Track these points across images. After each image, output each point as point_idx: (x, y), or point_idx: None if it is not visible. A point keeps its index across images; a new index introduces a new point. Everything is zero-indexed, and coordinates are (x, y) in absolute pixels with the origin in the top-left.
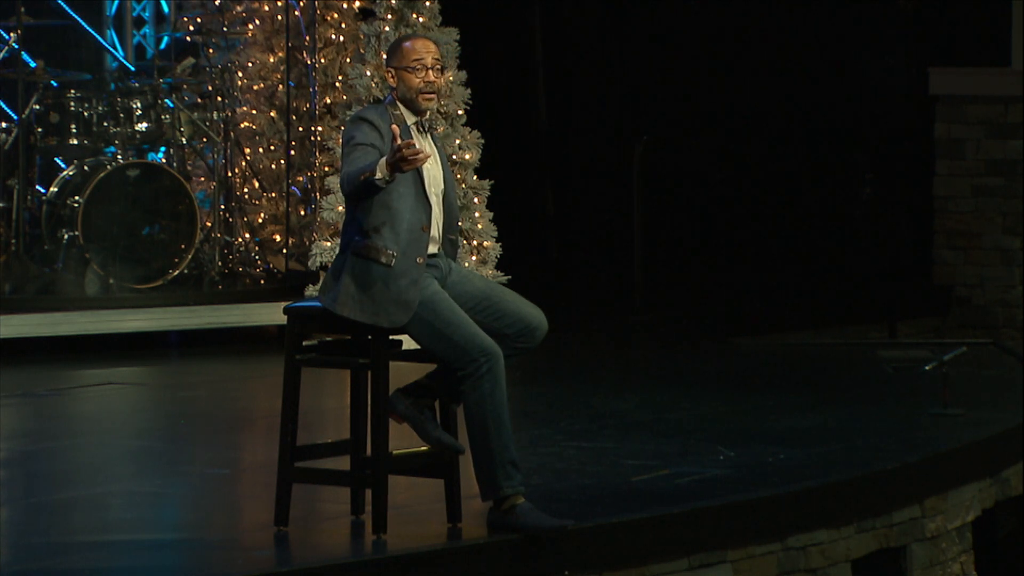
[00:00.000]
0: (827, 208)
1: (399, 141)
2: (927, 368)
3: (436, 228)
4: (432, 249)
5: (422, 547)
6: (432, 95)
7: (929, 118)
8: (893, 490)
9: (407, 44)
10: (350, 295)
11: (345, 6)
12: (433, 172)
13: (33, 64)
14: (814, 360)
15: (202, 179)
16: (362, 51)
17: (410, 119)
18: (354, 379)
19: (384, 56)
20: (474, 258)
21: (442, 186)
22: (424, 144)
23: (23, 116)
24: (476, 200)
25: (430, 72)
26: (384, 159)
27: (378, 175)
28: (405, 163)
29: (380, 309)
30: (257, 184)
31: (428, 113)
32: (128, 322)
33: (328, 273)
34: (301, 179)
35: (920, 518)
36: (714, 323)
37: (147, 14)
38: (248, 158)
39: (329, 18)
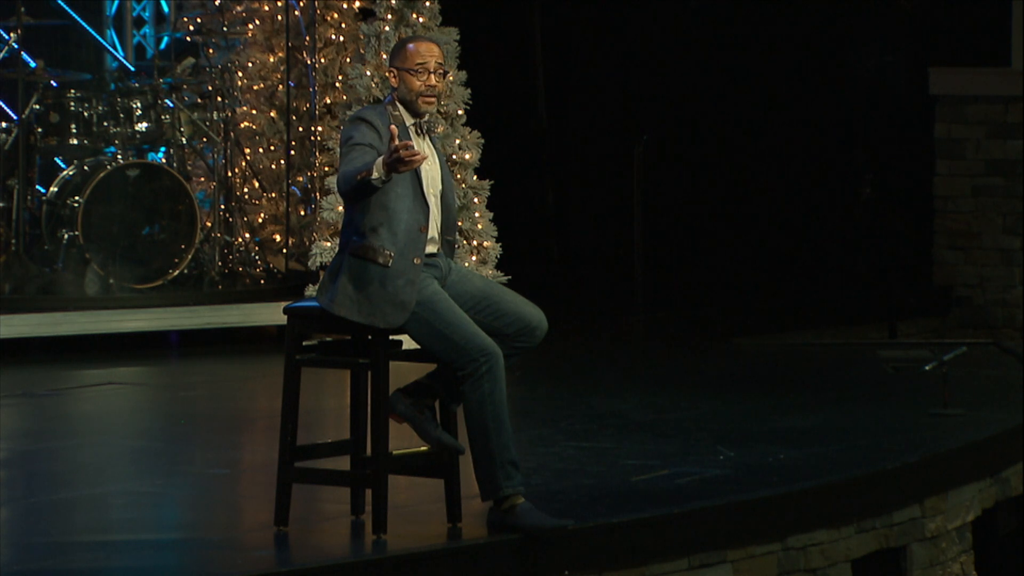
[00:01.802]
0: (827, 208)
1: (396, 142)
2: (927, 368)
3: (435, 229)
4: (431, 249)
5: (422, 547)
6: (432, 99)
7: (929, 118)
8: (893, 490)
9: (411, 46)
10: (347, 295)
11: (345, 6)
12: (431, 173)
13: (33, 64)
14: (814, 360)
15: (202, 179)
16: (362, 51)
17: (409, 120)
18: (354, 379)
19: (385, 56)
20: (474, 258)
21: (440, 187)
22: (422, 145)
23: (23, 116)
24: (476, 200)
25: (432, 76)
26: (381, 159)
27: (374, 175)
28: (402, 164)
29: (376, 310)
30: (257, 184)
31: (427, 115)
32: (128, 322)
33: (326, 273)
34: (301, 179)
35: (920, 518)
36: (714, 323)
37: (147, 14)
38: (248, 158)
39: (329, 18)
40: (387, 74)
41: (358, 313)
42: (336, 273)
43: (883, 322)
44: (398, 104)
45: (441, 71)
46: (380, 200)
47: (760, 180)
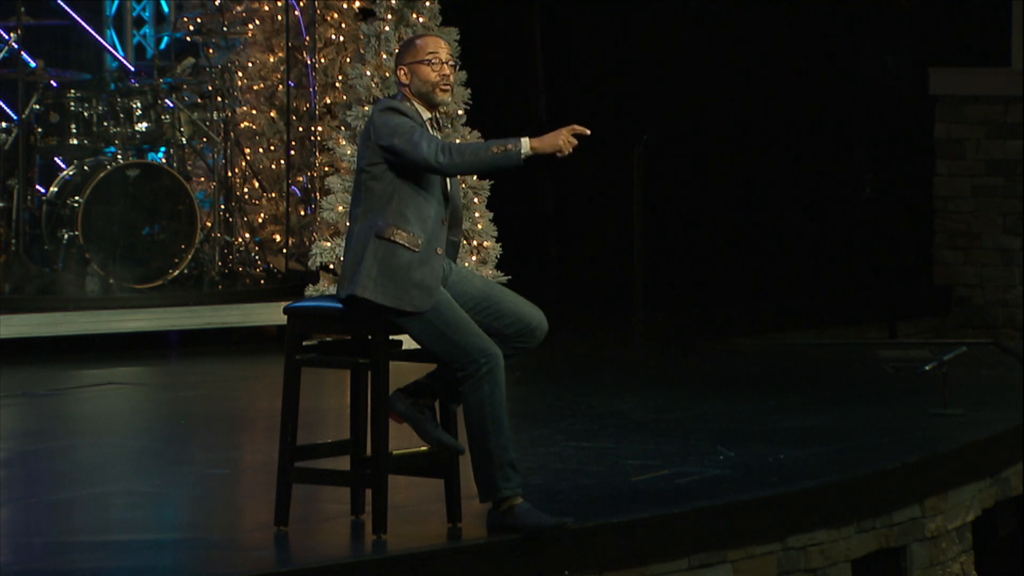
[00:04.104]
0: (827, 208)
1: (577, 130)
2: (927, 368)
3: None
4: None
5: (422, 547)
6: (448, 88)
7: (929, 118)
8: (893, 490)
9: (420, 41)
10: (371, 278)
11: (345, 6)
12: None
13: (33, 64)
14: (814, 360)
15: (202, 179)
16: (362, 51)
17: (424, 115)
18: (354, 379)
19: (385, 56)
20: (474, 258)
21: (450, 186)
22: None
23: (23, 116)
24: (476, 200)
25: (445, 66)
26: (530, 141)
27: (524, 149)
28: (556, 148)
29: (403, 293)
30: (257, 184)
31: (440, 109)
32: (128, 322)
33: (346, 264)
34: (301, 179)
35: (920, 518)
36: (714, 323)
37: (147, 14)
38: (248, 158)
39: (329, 18)
40: (398, 73)
41: (383, 296)
42: (359, 258)
43: (883, 322)
44: (409, 100)
45: (452, 62)
46: (413, 187)
47: (760, 180)
